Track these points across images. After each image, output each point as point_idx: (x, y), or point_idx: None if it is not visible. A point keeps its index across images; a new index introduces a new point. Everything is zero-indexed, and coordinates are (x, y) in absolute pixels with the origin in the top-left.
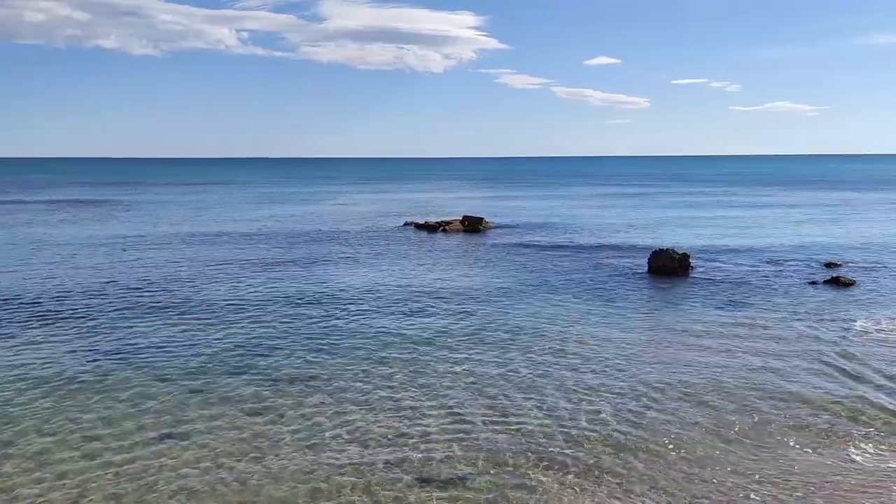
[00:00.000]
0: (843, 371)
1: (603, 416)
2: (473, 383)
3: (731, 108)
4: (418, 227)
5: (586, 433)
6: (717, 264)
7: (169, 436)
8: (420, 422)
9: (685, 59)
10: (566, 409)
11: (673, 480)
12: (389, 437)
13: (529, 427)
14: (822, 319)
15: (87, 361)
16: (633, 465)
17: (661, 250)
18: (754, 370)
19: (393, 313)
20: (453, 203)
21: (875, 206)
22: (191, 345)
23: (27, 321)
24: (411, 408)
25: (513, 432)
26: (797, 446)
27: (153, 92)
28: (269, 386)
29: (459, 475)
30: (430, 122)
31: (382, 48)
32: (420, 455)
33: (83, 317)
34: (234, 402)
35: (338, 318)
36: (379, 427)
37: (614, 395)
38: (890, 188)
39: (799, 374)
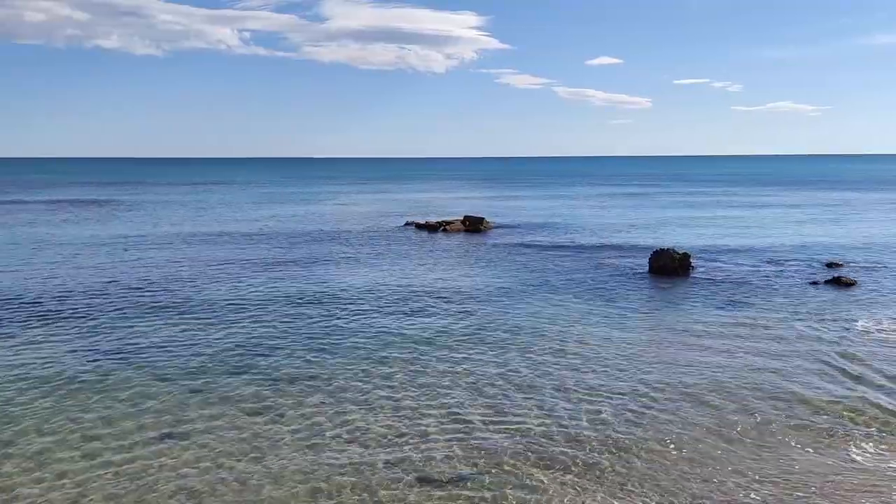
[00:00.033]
0: (844, 371)
1: (603, 415)
2: (474, 383)
3: (732, 108)
4: (419, 227)
5: (587, 433)
6: (718, 264)
7: (169, 435)
8: (420, 422)
9: (687, 59)
10: (566, 409)
11: (674, 480)
12: (389, 437)
13: (530, 427)
14: (824, 319)
15: (88, 361)
16: (634, 465)
17: (662, 250)
18: (755, 370)
19: (393, 313)
20: (454, 203)
21: (876, 206)
22: (191, 344)
23: (28, 320)
24: (411, 408)
25: (513, 432)
26: (798, 446)
27: (154, 92)
28: (270, 386)
29: (460, 475)
30: (431, 122)
31: (384, 48)
32: (420, 455)
33: (84, 316)
34: (235, 402)
35: (338, 318)
36: (379, 427)
37: (615, 395)
38: (891, 188)
39: (800, 375)
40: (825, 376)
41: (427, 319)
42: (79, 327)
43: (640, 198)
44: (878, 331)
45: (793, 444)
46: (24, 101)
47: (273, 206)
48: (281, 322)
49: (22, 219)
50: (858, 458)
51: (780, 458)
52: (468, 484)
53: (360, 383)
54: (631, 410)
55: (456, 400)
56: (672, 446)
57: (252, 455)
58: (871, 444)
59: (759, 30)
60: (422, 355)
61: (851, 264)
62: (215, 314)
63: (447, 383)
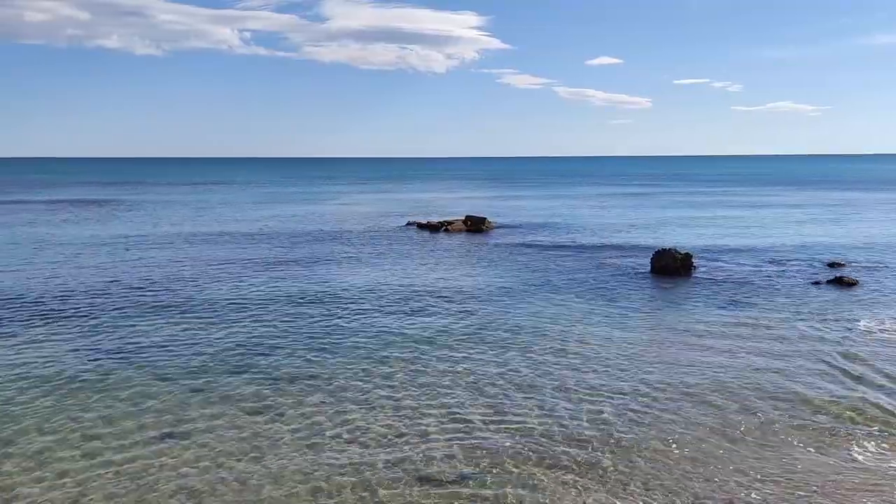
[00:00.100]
0: (846, 371)
1: (605, 415)
2: (474, 383)
3: (732, 108)
4: (420, 226)
5: (588, 433)
6: (720, 264)
7: (169, 435)
8: (420, 421)
9: (687, 59)
10: (568, 409)
11: (676, 479)
12: (390, 436)
13: (531, 426)
14: (826, 319)
15: (89, 360)
16: (636, 465)
17: (664, 250)
18: (757, 370)
19: (394, 313)
20: (455, 203)
21: (877, 206)
22: (192, 344)
23: (29, 320)
24: (412, 407)
25: (514, 432)
26: (800, 446)
27: (155, 92)
28: (270, 385)
29: (460, 475)
30: (432, 123)
31: (385, 48)
32: (420, 455)
33: (85, 316)
34: (235, 402)
35: (339, 318)
36: (379, 426)
37: (616, 395)
38: (892, 188)
39: (802, 375)
40: (827, 376)
41: (428, 319)
42: (80, 326)
43: (641, 198)
44: (881, 331)
45: (795, 443)
46: (25, 100)
47: (274, 206)
48: (282, 321)
49: (23, 219)
50: (860, 458)
51: (782, 457)
52: (469, 483)
53: (360, 383)
54: (633, 410)
55: (456, 399)
56: (674, 446)
57: (252, 455)
58: (872, 443)
59: (759, 30)
60: (422, 355)
61: (853, 264)
62: (216, 314)
63: (448, 383)
